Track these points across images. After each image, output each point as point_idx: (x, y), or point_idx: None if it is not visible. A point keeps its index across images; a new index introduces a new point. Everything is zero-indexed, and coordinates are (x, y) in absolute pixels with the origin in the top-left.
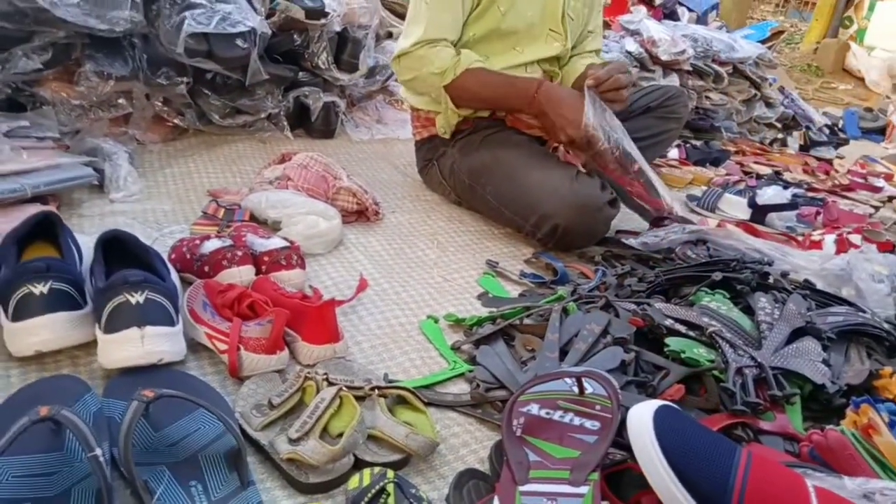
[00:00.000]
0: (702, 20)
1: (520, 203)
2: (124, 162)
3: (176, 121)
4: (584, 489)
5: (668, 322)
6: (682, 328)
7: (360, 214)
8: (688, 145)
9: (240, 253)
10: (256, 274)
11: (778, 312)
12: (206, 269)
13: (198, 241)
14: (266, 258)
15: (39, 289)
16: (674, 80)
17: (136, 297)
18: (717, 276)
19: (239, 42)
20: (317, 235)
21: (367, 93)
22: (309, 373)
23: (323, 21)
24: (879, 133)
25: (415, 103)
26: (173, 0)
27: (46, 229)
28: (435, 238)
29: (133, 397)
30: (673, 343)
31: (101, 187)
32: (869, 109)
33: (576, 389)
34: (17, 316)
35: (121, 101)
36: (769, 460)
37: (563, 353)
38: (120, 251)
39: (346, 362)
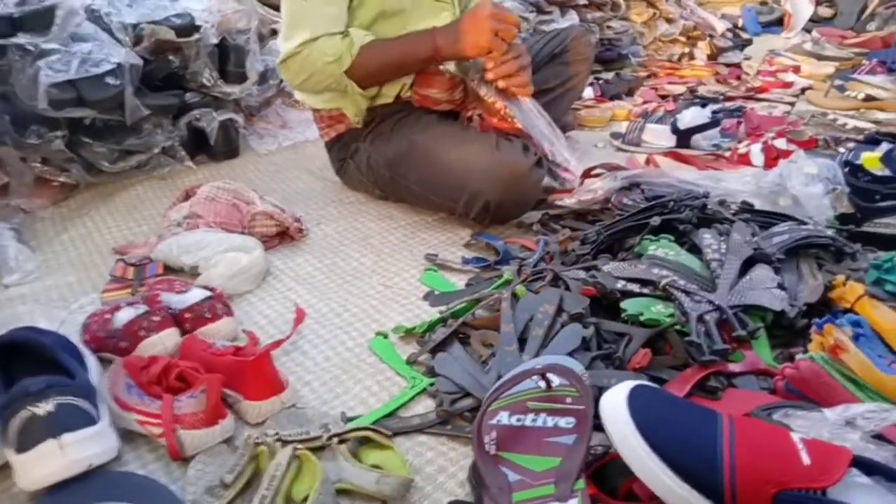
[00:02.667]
0: None
1: (445, 186)
2: (10, 240)
3: (61, 179)
4: (572, 502)
5: (620, 284)
6: (636, 287)
7: (282, 236)
8: (600, 81)
9: (157, 318)
10: (182, 335)
11: (724, 246)
12: (124, 344)
13: (108, 314)
14: (188, 315)
15: None
16: (573, 18)
17: (44, 407)
18: (656, 221)
19: (109, 80)
20: (240, 273)
21: (263, 100)
22: (258, 437)
23: (196, 36)
24: (779, 24)
25: (314, 104)
26: (23, 50)
27: None
28: (367, 242)
29: None
30: (629, 306)
31: None
32: (764, 3)
33: (542, 385)
34: None
35: None
36: (751, 422)
37: (522, 342)
38: (20, 353)
39: (298, 410)
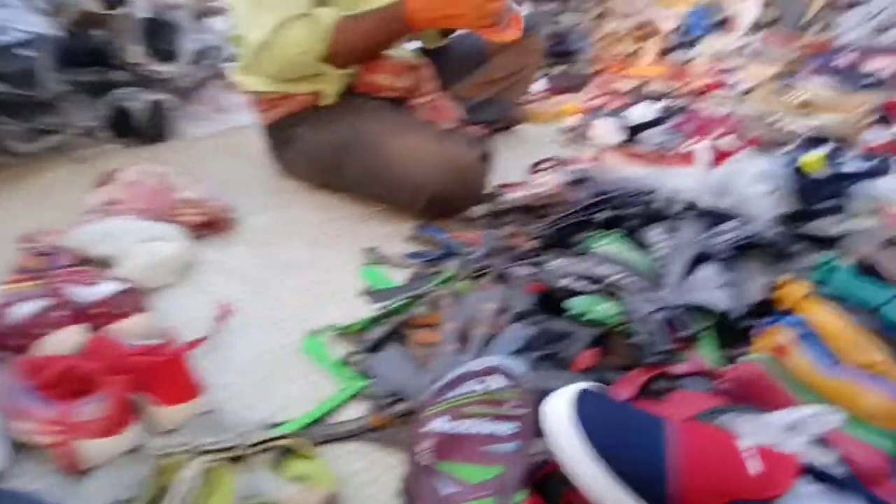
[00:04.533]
0: None
1: (388, 176)
2: None
3: None
4: None
5: (566, 281)
6: (581, 284)
7: (209, 225)
8: (550, 75)
9: (62, 312)
10: (90, 332)
11: (673, 243)
12: (23, 341)
13: (5, 308)
14: (97, 310)
15: None
16: (526, 8)
17: None
18: (602, 215)
19: (21, 51)
20: (160, 264)
21: (197, 81)
22: (168, 446)
23: (123, 9)
24: (724, 26)
25: (255, 86)
26: None
27: None
28: (303, 234)
29: None
30: (574, 304)
31: None
32: (710, 4)
33: (480, 389)
34: None
35: None
36: (696, 429)
37: (464, 341)
38: None
39: (215, 417)
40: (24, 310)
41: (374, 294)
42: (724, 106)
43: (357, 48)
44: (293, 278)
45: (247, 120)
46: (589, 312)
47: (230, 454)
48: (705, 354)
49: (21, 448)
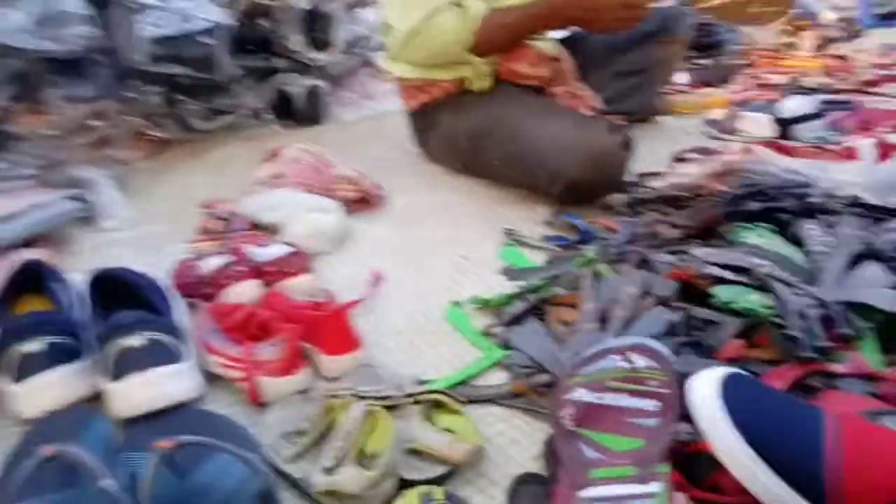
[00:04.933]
0: None
1: (527, 161)
2: (109, 188)
3: (157, 133)
4: (654, 486)
5: (712, 269)
6: (729, 274)
7: (362, 202)
8: (695, 66)
9: (242, 268)
10: (263, 287)
11: (831, 239)
12: (210, 290)
13: (197, 262)
14: (270, 268)
15: (36, 345)
16: None
17: (136, 340)
18: (755, 206)
19: (202, 39)
20: (320, 233)
21: (348, 69)
22: (335, 389)
23: (286, 1)
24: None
25: (401, 73)
26: (125, 6)
27: (35, 278)
28: (445, 213)
29: (149, 449)
30: (721, 293)
31: (90, 218)
32: None
33: (624, 365)
34: (19, 377)
35: (96, 123)
36: (860, 423)
37: (603, 321)
38: (115, 288)
39: (373, 369)
40: (210, 264)
41: (513, 272)
42: (894, 101)
43: (502, 39)
44: (436, 254)
45: (392, 106)
46: (736, 302)
47: (387, 402)
48: (866, 356)
49: (211, 379)
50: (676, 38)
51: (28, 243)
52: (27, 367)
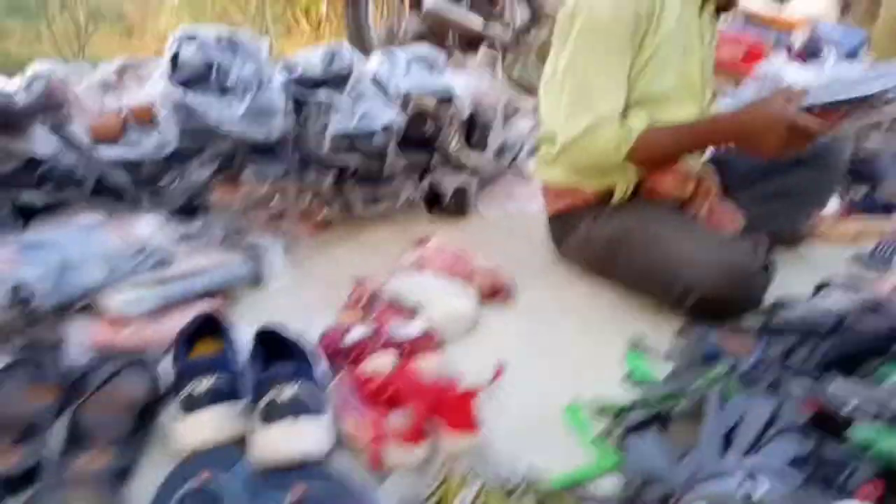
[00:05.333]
0: (852, 56)
1: (662, 272)
2: (279, 256)
3: (323, 213)
4: None
5: (851, 405)
6: (868, 412)
7: (495, 294)
8: (849, 195)
9: (382, 341)
10: (397, 361)
11: None
12: (352, 357)
13: (344, 330)
14: (407, 345)
15: (204, 384)
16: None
17: (289, 390)
18: None
19: (377, 136)
20: (454, 318)
21: (497, 170)
22: (451, 468)
23: (453, 107)
24: None
25: (546, 177)
26: (320, 104)
27: (212, 326)
28: (573, 314)
29: (285, 491)
30: (859, 432)
31: (260, 281)
32: None
33: (744, 491)
34: (184, 410)
35: (276, 199)
36: None
37: (726, 442)
38: (274, 343)
39: (488, 454)
40: (354, 334)
41: (637, 381)
42: None
43: (659, 155)
44: (560, 351)
45: (532, 208)
46: (876, 443)
47: (501, 487)
48: None
49: (341, 440)
50: (831, 165)
51: (206, 295)
52: (194, 402)
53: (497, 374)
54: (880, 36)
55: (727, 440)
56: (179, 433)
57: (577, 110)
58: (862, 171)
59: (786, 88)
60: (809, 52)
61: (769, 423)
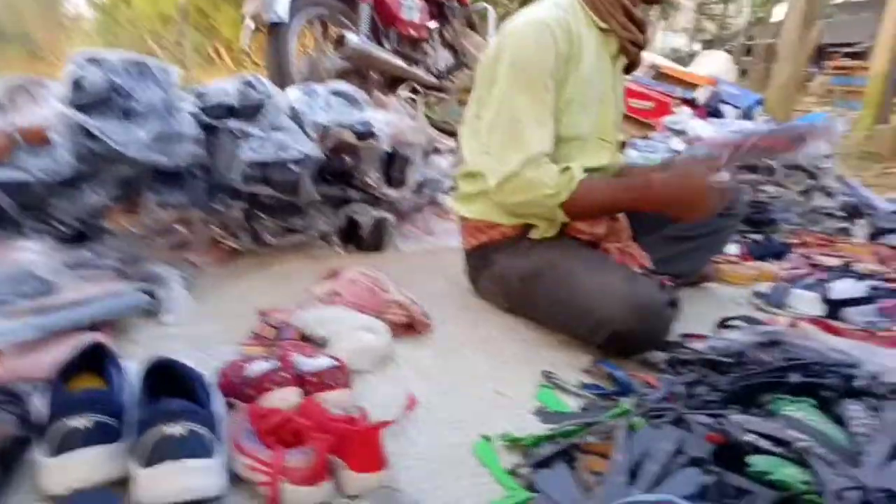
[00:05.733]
0: (747, 116)
1: (575, 308)
2: (177, 286)
3: (231, 243)
4: None
5: (750, 437)
6: (767, 444)
7: (409, 327)
8: (747, 240)
9: (286, 375)
10: (303, 396)
11: (874, 422)
12: (252, 392)
13: (244, 364)
14: (312, 378)
15: (81, 422)
16: (723, 176)
17: (176, 429)
18: (795, 379)
19: (292, 167)
20: (364, 351)
21: (415, 206)
22: None
23: (372, 142)
24: None
25: (465, 213)
26: (232, 133)
27: (94, 358)
28: (487, 348)
29: None
30: (758, 462)
31: (155, 312)
32: None
33: None
34: (55, 451)
35: (179, 227)
36: None
37: (633, 475)
38: (165, 378)
39: (394, 492)
40: (256, 368)
41: (547, 415)
42: None
43: (590, 209)
44: (472, 386)
45: (450, 243)
46: (774, 473)
47: None
48: None
49: (235, 480)
50: (731, 211)
51: (93, 327)
52: (67, 443)
53: (409, 405)
54: (772, 99)
55: (633, 473)
56: (47, 477)
57: (508, 149)
58: (757, 218)
59: (705, 157)
60: (711, 109)
61: (674, 456)
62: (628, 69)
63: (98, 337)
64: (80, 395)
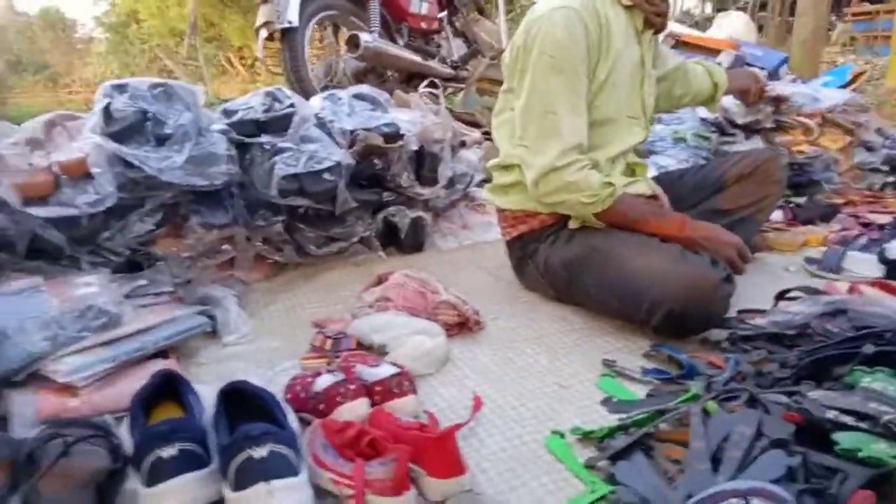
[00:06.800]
0: (774, 77)
1: (625, 291)
2: (233, 305)
3: (276, 257)
4: None
5: (831, 414)
6: (849, 419)
7: (461, 326)
8: (791, 204)
9: (352, 387)
10: (371, 405)
11: None
12: (322, 406)
13: (310, 379)
14: (378, 388)
15: (168, 452)
16: (757, 143)
17: (260, 451)
18: (869, 349)
19: (326, 176)
20: (424, 355)
21: (449, 202)
22: None
23: (400, 143)
24: None
25: (502, 204)
26: (263, 148)
27: (168, 386)
28: (542, 341)
29: None
30: (844, 440)
31: (215, 332)
32: None
33: None
34: (150, 482)
35: (224, 246)
36: None
37: (715, 461)
38: (240, 400)
39: (476, 496)
40: (324, 382)
41: (615, 405)
42: None
43: (624, 222)
44: (533, 380)
45: (488, 236)
46: (863, 450)
47: None
48: None
49: (321, 494)
50: (772, 178)
51: (158, 353)
52: (159, 473)
53: (476, 407)
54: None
55: (715, 459)
56: None
57: (544, 140)
58: (797, 181)
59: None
60: None
61: (755, 439)
62: (657, 32)
63: (170, 364)
64: (164, 425)
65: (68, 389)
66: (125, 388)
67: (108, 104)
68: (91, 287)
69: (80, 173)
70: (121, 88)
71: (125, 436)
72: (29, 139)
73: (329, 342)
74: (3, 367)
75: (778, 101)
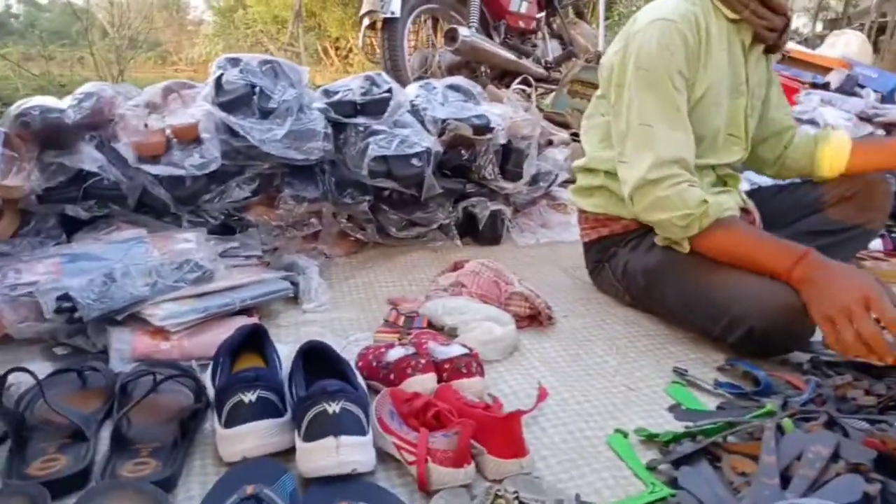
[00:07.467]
0: (888, 100)
1: (706, 305)
2: (315, 275)
3: (358, 235)
4: None
5: None
6: None
7: (532, 319)
8: (893, 234)
9: (423, 361)
10: (438, 382)
11: None
12: (392, 376)
13: (383, 349)
14: (447, 366)
15: (249, 397)
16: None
17: (333, 407)
18: None
19: (415, 161)
20: (493, 341)
21: (530, 199)
22: (499, 490)
23: (489, 136)
24: None
25: (585, 206)
26: (358, 129)
27: (254, 340)
28: (613, 343)
29: None
30: None
31: (296, 298)
32: None
33: None
34: (229, 423)
35: (312, 220)
36: None
37: (784, 479)
38: (317, 360)
39: (534, 479)
40: (396, 353)
41: (682, 412)
42: None
43: (722, 252)
44: (601, 379)
45: (566, 236)
46: None
47: None
48: None
49: (383, 458)
50: (876, 204)
51: (241, 311)
52: (237, 416)
53: (541, 397)
54: None
55: (785, 477)
56: (224, 446)
57: (639, 153)
58: None
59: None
60: (845, 93)
61: (831, 461)
62: (769, 51)
63: (256, 320)
64: (248, 373)
65: (161, 333)
66: (211, 338)
67: (221, 75)
68: (189, 243)
69: (190, 137)
70: (234, 62)
71: (207, 381)
72: (148, 102)
73: (402, 319)
74: (109, 306)
75: (890, 126)
